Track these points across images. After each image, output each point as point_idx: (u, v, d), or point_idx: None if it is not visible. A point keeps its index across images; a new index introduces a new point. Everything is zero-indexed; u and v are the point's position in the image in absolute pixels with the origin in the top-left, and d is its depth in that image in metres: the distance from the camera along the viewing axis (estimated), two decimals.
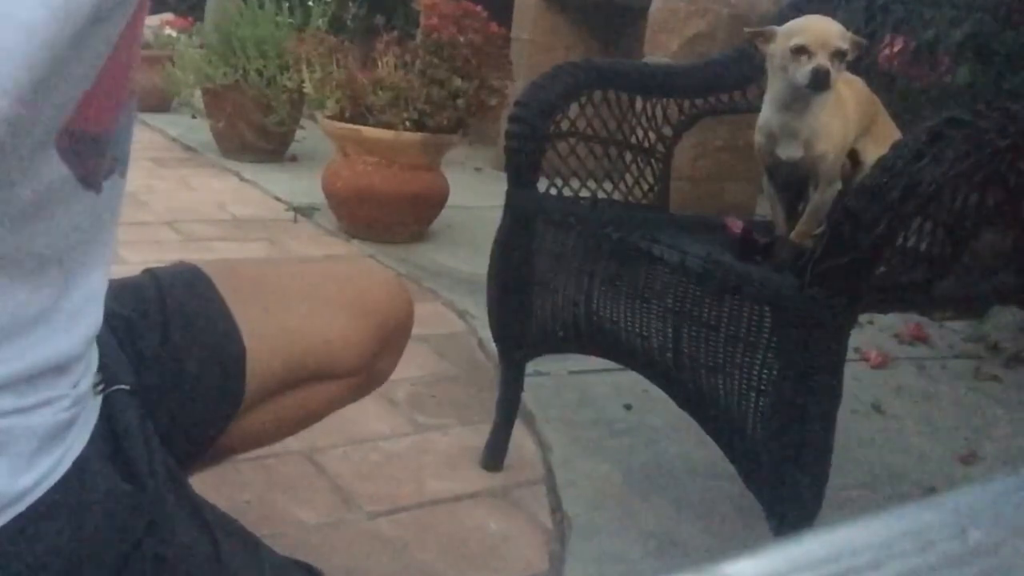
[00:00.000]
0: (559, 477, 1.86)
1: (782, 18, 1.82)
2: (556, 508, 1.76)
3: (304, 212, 3.63)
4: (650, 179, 1.98)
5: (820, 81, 1.47)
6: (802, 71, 1.48)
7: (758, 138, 1.61)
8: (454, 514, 1.71)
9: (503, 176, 1.78)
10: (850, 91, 1.60)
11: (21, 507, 0.76)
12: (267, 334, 1.10)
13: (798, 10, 1.88)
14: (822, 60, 1.47)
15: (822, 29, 1.51)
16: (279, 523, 1.60)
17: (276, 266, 1.19)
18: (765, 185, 1.70)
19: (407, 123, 3.24)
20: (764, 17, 3.30)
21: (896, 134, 1.61)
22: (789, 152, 1.57)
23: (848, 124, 1.57)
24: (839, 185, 1.58)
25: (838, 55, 1.49)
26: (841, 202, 1.39)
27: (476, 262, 2.75)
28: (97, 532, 0.82)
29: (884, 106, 1.69)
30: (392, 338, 1.28)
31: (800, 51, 1.48)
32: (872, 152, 1.55)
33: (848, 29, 1.56)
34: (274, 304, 1.13)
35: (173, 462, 0.93)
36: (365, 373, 1.26)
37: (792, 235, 1.60)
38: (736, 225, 1.67)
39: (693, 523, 1.74)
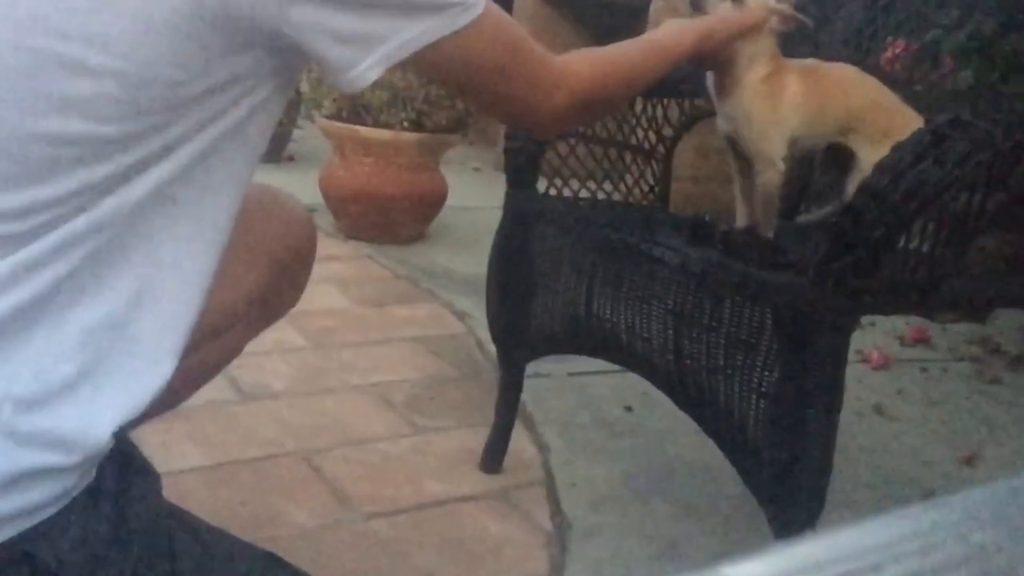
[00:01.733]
0: (559, 479, 1.85)
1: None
2: (556, 510, 1.75)
3: None
4: (650, 180, 1.97)
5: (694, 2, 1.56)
6: None
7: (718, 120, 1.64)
8: (453, 516, 1.70)
9: (502, 176, 1.77)
10: (805, 78, 1.58)
11: (66, 500, 0.85)
12: None
13: (797, 10, 1.87)
14: None
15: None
16: (276, 525, 1.59)
17: None
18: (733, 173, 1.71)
19: (405, 123, 3.24)
20: None
21: (911, 119, 1.58)
22: (722, 125, 1.61)
23: (786, 110, 1.56)
24: (781, 168, 1.57)
25: None
26: (845, 203, 1.38)
27: (475, 263, 2.75)
28: (112, 523, 0.87)
29: None
30: (290, 272, 1.31)
31: None
32: (864, 150, 1.55)
33: (848, 30, 1.56)
34: None
35: None
36: (260, 313, 1.28)
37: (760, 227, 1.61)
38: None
39: (694, 525, 1.74)
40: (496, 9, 1.06)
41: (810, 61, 1.60)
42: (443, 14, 0.98)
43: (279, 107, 1.02)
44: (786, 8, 1.57)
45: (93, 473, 0.86)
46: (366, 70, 0.95)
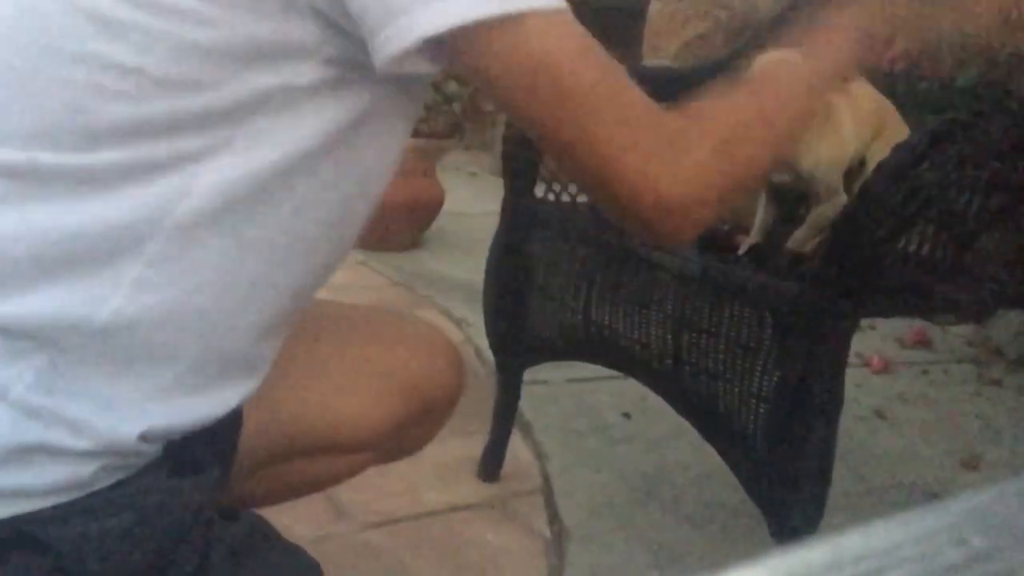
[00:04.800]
0: (557, 487, 1.84)
1: (783, 18, 1.82)
2: (554, 518, 1.74)
3: None
4: None
5: None
6: None
7: None
8: (450, 525, 1.69)
9: (499, 181, 1.76)
10: (849, 102, 1.59)
11: (82, 491, 0.81)
12: (279, 410, 1.04)
13: (796, 9, 1.86)
14: None
15: (762, 58, 1.52)
16: None
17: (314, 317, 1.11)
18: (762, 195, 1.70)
19: None
20: (763, 19, 3.29)
21: (903, 126, 1.61)
22: (779, 177, 1.59)
23: (844, 140, 1.57)
24: (843, 198, 1.57)
25: None
26: (843, 207, 1.38)
27: (472, 269, 2.73)
28: (145, 520, 0.84)
29: None
30: (431, 411, 1.22)
31: None
32: (880, 157, 1.55)
33: None
34: (293, 372, 1.05)
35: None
36: (388, 446, 1.21)
37: (789, 242, 1.59)
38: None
39: (693, 532, 1.73)
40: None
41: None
42: None
43: (368, 148, 0.88)
44: None
45: (124, 473, 0.84)
46: (401, 31, 0.76)
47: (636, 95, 0.85)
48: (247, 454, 1.01)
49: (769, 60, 1.21)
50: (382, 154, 0.92)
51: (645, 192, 0.83)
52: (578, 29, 0.83)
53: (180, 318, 0.83)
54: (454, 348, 1.27)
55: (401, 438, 1.21)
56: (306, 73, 0.80)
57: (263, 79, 0.79)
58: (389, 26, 0.76)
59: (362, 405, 1.14)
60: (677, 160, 0.84)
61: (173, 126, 0.79)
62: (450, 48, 0.79)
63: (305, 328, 1.04)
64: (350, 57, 0.80)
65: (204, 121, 0.79)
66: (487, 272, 1.77)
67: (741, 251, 1.59)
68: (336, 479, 1.24)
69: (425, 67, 0.80)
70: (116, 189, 0.79)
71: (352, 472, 1.23)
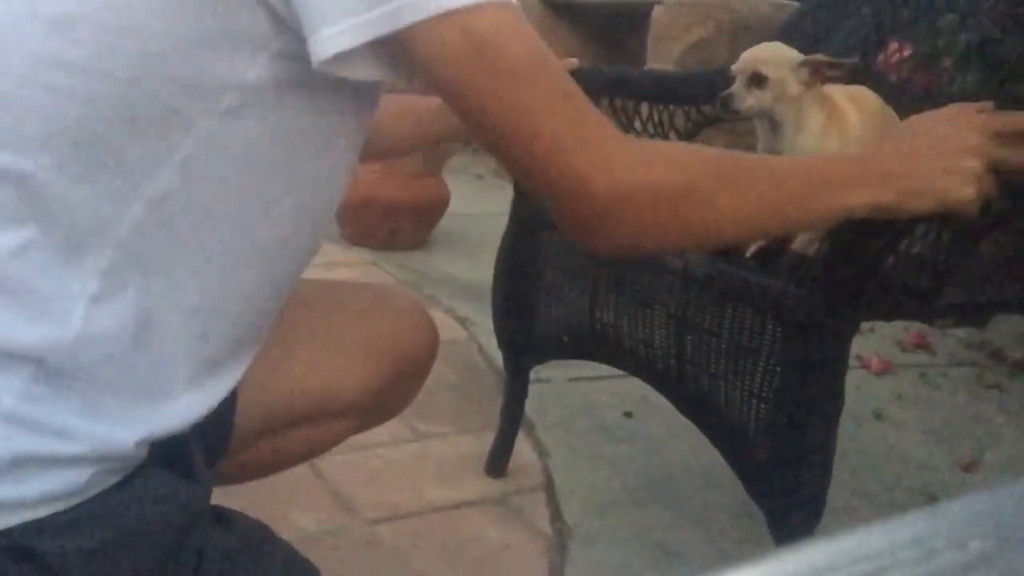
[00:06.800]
0: (559, 485, 1.85)
1: (793, 24, 1.82)
2: (555, 516, 1.75)
3: None
4: None
5: (723, 106, 1.52)
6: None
7: None
8: (453, 522, 1.70)
9: (504, 183, 1.78)
10: (855, 107, 1.60)
11: (79, 497, 0.81)
12: (265, 383, 1.06)
13: (804, 15, 1.88)
14: (735, 86, 1.51)
15: (746, 56, 1.55)
16: (279, 530, 1.59)
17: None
18: None
19: None
20: (765, 23, 3.30)
21: None
22: None
23: (851, 142, 1.57)
24: None
25: (755, 80, 1.50)
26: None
27: (477, 269, 2.75)
28: (141, 529, 0.84)
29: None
30: (408, 375, 1.26)
31: (731, 78, 1.53)
32: None
33: (856, 36, 1.56)
34: (277, 346, 1.06)
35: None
36: (370, 410, 1.24)
37: (794, 244, 1.59)
38: None
39: (693, 531, 1.74)
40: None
41: (840, 87, 1.60)
42: None
43: (298, 132, 0.86)
44: (821, 57, 1.55)
45: (120, 476, 0.84)
46: (335, 35, 0.76)
47: (590, 104, 0.85)
48: (239, 430, 1.03)
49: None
50: (335, 161, 0.92)
51: (577, 179, 0.82)
52: (527, 27, 0.83)
53: (142, 329, 0.83)
54: (427, 315, 1.30)
55: (381, 402, 1.24)
56: (255, 67, 0.80)
57: (216, 70, 0.79)
58: (328, 27, 0.76)
59: (346, 371, 1.17)
60: (622, 159, 0.83)
61: (125, 126, 0.78)
62: (395, 48, 0.79)
63: (287, 304, 1.05)
64: (299, 53, 0.79)
65: (158, 123, 0.79)
66: (496, 272, 1.77)
67: (749, 253, 1.59)
68: (322, 447, 1.27)
69: (368, 70, 0.80)
70: (62, 201, 0.79)
71: (337, 439, 1.26)
